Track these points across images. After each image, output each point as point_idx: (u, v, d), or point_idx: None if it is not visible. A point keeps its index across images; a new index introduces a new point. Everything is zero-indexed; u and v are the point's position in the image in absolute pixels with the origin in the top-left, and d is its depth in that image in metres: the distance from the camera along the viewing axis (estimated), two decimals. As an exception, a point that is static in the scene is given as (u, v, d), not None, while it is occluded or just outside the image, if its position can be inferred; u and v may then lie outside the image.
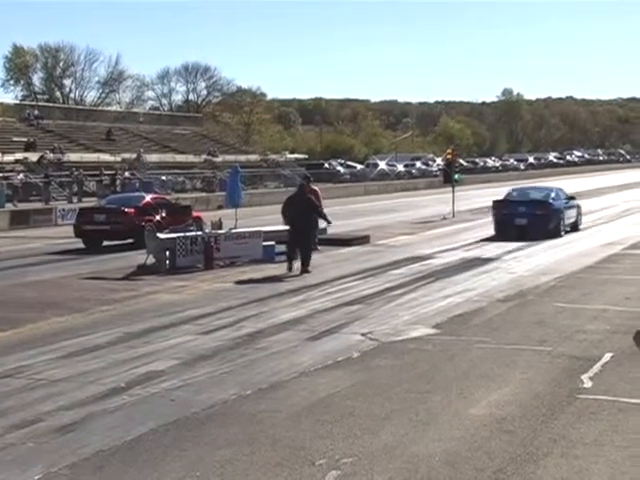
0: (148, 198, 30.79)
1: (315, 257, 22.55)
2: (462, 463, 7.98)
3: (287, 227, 23.05)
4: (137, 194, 33.90)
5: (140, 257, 22.98)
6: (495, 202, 31.30)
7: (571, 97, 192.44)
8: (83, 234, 28.77)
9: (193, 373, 11.55)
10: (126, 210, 28.53)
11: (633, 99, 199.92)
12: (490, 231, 30.70)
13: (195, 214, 28.99)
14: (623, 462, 8.00)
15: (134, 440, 8.80)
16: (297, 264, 21.88)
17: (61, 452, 8.47)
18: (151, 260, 22.19)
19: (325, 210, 24.08)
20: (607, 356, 12.05)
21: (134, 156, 63.56)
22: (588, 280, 19.58)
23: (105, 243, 28.31)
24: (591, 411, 9.53)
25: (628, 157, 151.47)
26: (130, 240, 27.50)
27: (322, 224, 23.58)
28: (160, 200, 31.38)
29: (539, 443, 8.50)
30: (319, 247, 23.04)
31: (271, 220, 29.37)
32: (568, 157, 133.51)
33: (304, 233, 22.11)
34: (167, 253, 22.21)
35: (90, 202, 46.54)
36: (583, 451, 8.28)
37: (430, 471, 7.82)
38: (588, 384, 10.69)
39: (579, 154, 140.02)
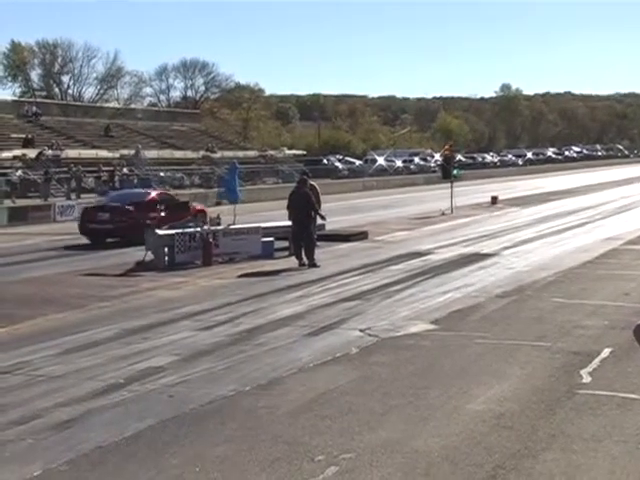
0: (153, 194, 30.98)
1: (315, 253, 22.52)
2: (461, 458, 7.98)
3: (290, 222, 23.09)
4: (142, 190, 33.69)
5: (139, 253, 22.93)
6: None
7: (569, 92, 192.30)
8: (88, 232, 28.78)
9: (192, 369, 11.54)
10: (130, 208, 28.57)
11: (631, 94, 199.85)
12: (490, 226, 30.76)
13: (199, 207, 29.04)
14: (622, 457, 8.00)
15: (133, 436, 8.80)
16: (304, 258, 22.00)
17: (60, 448, 8.46)
18: (149, 256, 22.17)
19: (323, 206, 24.16)
20: (606, 351, 12.04)
21: (132, 152, 63.47)
22: (587, 275, 19.58)
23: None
24: (590, 406, 9.53)
25: (626, 152, 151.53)
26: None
27: (319, 220, 23.58)
28: (165, 196, 31.50)
29: (538, 438, 8.50)
30: (318, 243, 23.04)
31: (270, 216, 29.33)
32: (566, 152, 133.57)
33: (305, 226, 22.21)
34: (165, 249, 22.19)
35: (89, 198, 46.64)
36: (582, 446, 8.28)
37: (429, 466, 7.82)
38: (587, 379, 10.69)
39: (577, 149, 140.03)
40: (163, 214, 27.88)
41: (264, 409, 9.64)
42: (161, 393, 10.42)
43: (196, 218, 25.93)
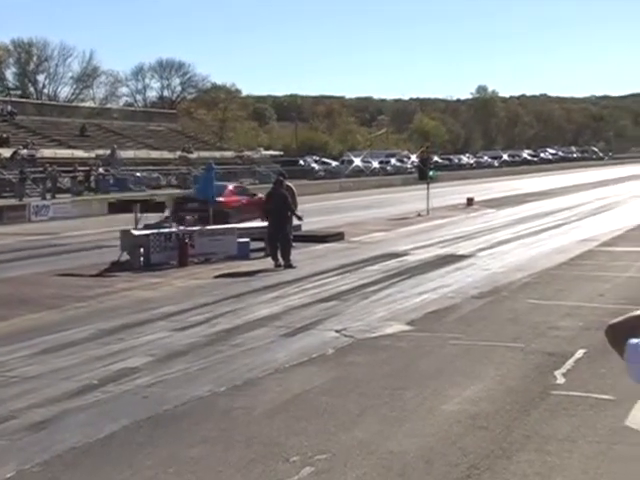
0: (230, 187, 35.10)
1: (291, 254, 22.53)
2: (436, 459, 8.00)
3: (266, 223, 23.15)
4: (221, 183, 36.61)
5: (115, 253, 22.81)
6: None
7: (545, 95, 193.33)
8: (179, 220, 29.99)
9: (167, 370, 11.51)
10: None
11: (606, 97, 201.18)
12: (466, 227, 30.96)
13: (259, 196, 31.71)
14: (595, 457, 8.05)
15: (107, 437, 8.77)
16: (280, 259, 22.02)
17: (34, 449, 8.43)
18: (125, 257, 22.10)
19: (299, 207, 24.18)
20: (580, 352, 12.10)
21: (108, 152, 63.29)
22: (562, 277, 19.67)
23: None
24: (564, 407, 9.58)
25: (601, 155, 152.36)
26: None
27: (295, 221, 23.62)
28: (240, 188, 35.88)
29: (512, 439, 8.53)
30: (294, 244, 23.04)
31: (246, 217, 29.29)
32: (542, 154, 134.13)
33: (281, 227, 22.25)
34: (141, 250, 22.13)
35: (64, 198, 46.60)
36: (556, 447, 8.31)
37: (404, 467, 7.83)
38: (561, 380, 10.75)
39: (553, 152, 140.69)
40: (243, 203, 32.38)
41: (239, 410, 9.63)
42: (136, 394, 10.39)
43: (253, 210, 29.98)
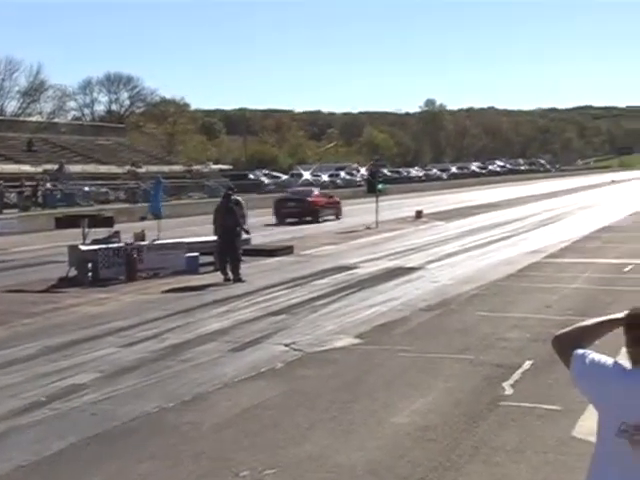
0: (316, 191, 48.23)
1: (240, 268, 22.49)
2: (385, 472, 8.02)
3: (215, 237, 23.11)
4: (309, 188, 52.08)
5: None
6: None
7: (492, 107, 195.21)
8: (281, 215, 43.50)
9: (116, 386, 11.43)
10: (308, 199, 44.49)
11: (553, 110, 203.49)
12: (415, 240, 31.16)
13: (336, 198, 47.74)
14: (543, 467, 8.12)
15: (54, 455, 8.69)
16: (229, 273, 21.99)
17: (-20, 468, 8.32)
18: (73, 272, 21.92)
19: (249, 221, 24.16)
20: (527, 363, 12.20)
21: (56, 167, 62.79)
22: (510, 288, 19.81)
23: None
24: (512, 418, 9.65)
25: (548, 167, 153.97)
26: (309, 217, 43.49)
27: (244, 235, 23.61)
28: (322, 192, 49.27)
29: (461, 451, 8.57)
30: (243, 258, 23.00)
31: (195, 231, 29.24)
32: (490, 167, 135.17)
33: (230, 241, 22.23)
34: (89, 265, 21.97)
35: (12, 214, 46.26)
36: (504, 458, 8.37)
37: (353, 480, 7.84)
38: (509, 391, 10.82)
39: (501, 164, 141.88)
40: (325, 203, 45.83)
41: (188, 425, 9.59)
42: (84, 411, 10.31)
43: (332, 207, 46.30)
